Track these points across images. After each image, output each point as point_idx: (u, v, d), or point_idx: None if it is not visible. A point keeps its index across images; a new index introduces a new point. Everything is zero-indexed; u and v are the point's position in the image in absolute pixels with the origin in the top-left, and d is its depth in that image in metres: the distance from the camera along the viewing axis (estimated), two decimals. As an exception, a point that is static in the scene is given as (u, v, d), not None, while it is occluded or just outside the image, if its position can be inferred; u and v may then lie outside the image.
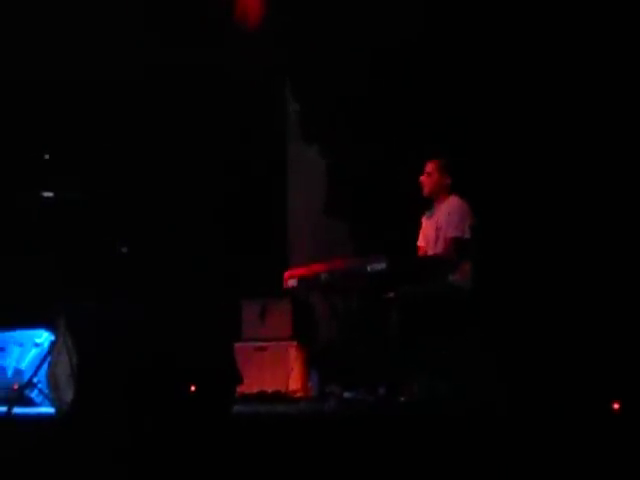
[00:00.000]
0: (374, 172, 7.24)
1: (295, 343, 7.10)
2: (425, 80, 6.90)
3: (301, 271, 6.15)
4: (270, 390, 6.75)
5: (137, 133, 7.67)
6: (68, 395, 4.56)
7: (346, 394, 6.04)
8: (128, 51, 7.45)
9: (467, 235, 5.87)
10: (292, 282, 6.07)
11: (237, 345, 6.94)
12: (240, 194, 7.93)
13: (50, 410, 5.07)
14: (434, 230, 6.05)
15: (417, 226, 6.25)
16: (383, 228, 6.96)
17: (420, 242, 6.21)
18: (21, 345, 6.42)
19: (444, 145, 6.43)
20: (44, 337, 6.34)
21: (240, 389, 5.33)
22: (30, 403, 6.02)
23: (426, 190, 6.12)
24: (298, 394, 6.86)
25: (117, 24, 7.37)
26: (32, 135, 7.28)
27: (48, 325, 6.10)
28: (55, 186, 5.71)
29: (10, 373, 6.34)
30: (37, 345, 6.37)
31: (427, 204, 6.21)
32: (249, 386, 6.51)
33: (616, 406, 5.02)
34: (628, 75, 6.22)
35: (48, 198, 5.71)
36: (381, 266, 5.46)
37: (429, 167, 6.11)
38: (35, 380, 5.82)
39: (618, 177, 6.23)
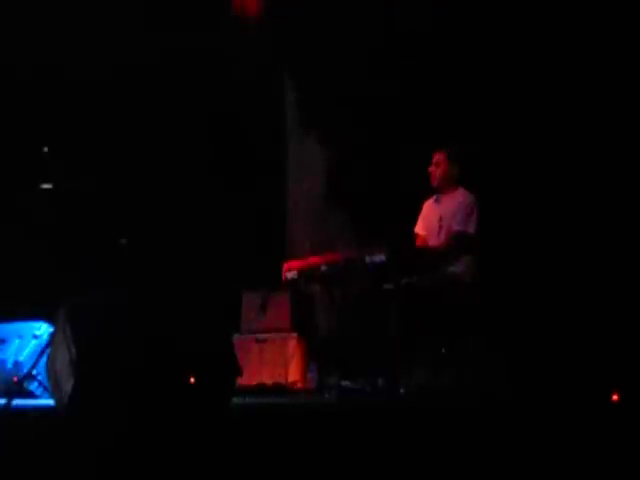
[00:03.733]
0: (374, 161, 7.22)
1: (294, 335, 7.09)
2: (426, 69, 6.88)
3: (300, 263, 6.14)
4: (269, 382, 6.75)
5: (135, 123, 7.66)
6: (67, 387, 4.55)
7: (345, 386, 6.03)
8: (125, 40, 7.44)
9: (472, 229, 5.85)
10: (291, 274, 6.05)
11: (236, 337, 6.94)
12: (239, 184, 7.92)
13: (50, 402, 5.07)
14: (437, 220, 6.01)
15: (417, 214, 6.22)
16: (383, 218, 6.94)
17: (418, 229, 6.15)
18: (20, 337, 6.42)
19: (445, 134, 6.40)
20: (43, 329, 6.34)
21: (239, 381, 5.32)
22: (30, 395, 6.02)
23: (435, 182, 6.06)
24: (297, 386, 6.86)
25: (115, 15, 7.36)
26: (31, 127, 7.27)
27: (47, 317, 6.10)
28: (54, 178, 5.70)
29: (9, 365, 6.34)
30: (36, 337, 6.37)
31: (428, 192, 6.17)
32: (248, 378, 6.51)
33: (615, 397, 5.03)
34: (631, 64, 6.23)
35: (47, 190, 5.70)
36: (380, 258, 5.46)
37: (437, 157, 6.05)
38: (34, 372, 5.83)
39: (625, 169, 6.23)
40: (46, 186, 5.68)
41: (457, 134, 6.44)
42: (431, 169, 6.06)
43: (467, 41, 6.71)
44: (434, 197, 6.14)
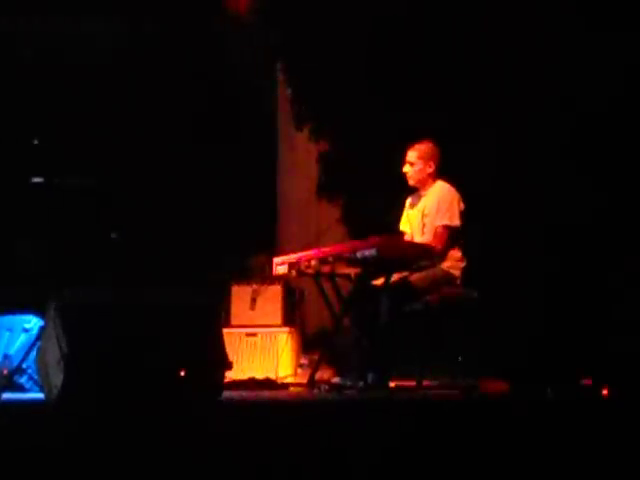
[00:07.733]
0: (366, 156, 7.22)
1: (285, 329, 7.10)
2: (417, 61, 6.88)
3: (291, 257, 6.13)
4: (260, 376, 6.74)
5: (128, 118, 7.66)
6: (57, 381, 4.55)
7: (336, 380, 6.03)
8: (119, 35, 7.43)
9: (457, 222, 5.82)
10: (282, 268, 6.05)
11: (227, 331, 6.93)
12: (230, 179, 7.92)
13: (39, 396, 5.06)
14: (420, 217, 5.96)
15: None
16: (375, 212, 6.94)
17: (403, 227, 6.11)
18: (10, 330, 6.40)
19: (434, 126, 6.36)
20: (33, 322, 6.31)
21: (230, 375, 5.32)
22: (19, 388, 6.01)
23: (411, 182, 5.95)
24: (288, 380, 6.86)
25: (113, 6, 7.37)
26: (22, 120, 7.25)
27: (37, 310, 6.09)
28: (45, 171, 5.69)
29: (-1, 358, 6.33)
30: (26, 330, 6.34)
31: (413, 188, 6.12)
32: (239, 372, 6.50)
33: (605, 392, 5.05)
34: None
35: (38, 183, 5.69)
36: (371, 252, 5.45)
37: (411, 156, 5.90)
38: (24, 366, 5.82)
39: (608, 160, 6.26)
40: (37, 180, 5.67)
41: (445, 124, 6.40)
42: (405, 170, 5.93)
43: (458, 33, 6.72)
44: (411, 198, 6.07)
